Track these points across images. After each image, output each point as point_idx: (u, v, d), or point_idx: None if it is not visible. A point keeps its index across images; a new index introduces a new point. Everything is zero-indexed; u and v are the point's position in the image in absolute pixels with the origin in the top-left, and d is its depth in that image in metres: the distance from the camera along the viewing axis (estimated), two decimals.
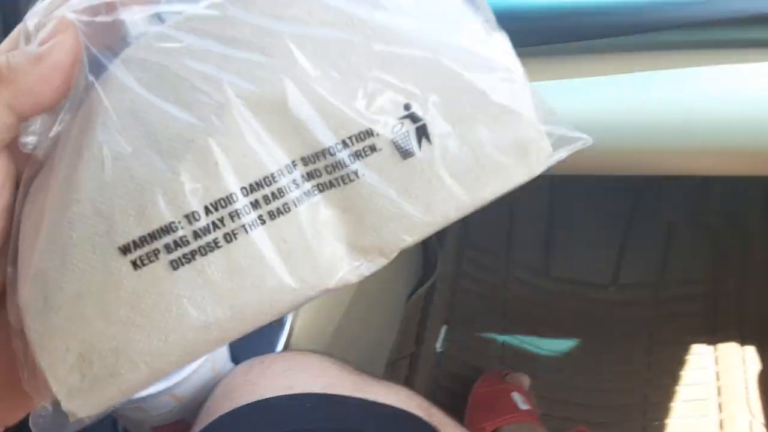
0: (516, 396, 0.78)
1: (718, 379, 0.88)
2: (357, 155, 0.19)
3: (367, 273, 0.21)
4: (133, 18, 0.19)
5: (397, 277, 0.95)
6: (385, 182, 0.20)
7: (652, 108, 0.49)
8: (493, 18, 0.22)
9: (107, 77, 0.19)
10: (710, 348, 0.91)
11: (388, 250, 0.21)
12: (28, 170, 0.20)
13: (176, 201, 0.18)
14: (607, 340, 0.94)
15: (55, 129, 0.20)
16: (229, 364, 0.52)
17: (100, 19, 0.19)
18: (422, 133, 0.20)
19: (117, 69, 0.19)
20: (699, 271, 0.98)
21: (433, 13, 0.21)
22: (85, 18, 0.19)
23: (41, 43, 0.19)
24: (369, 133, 0.20)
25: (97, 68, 0.19)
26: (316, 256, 0.20)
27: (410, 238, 0.20)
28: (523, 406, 0.77)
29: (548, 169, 0.22)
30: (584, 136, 0.22)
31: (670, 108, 0.48)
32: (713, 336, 0.92)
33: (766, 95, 0.47)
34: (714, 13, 0.45)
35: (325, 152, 0.19)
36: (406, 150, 0.20)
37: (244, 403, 0.41)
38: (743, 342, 0.90)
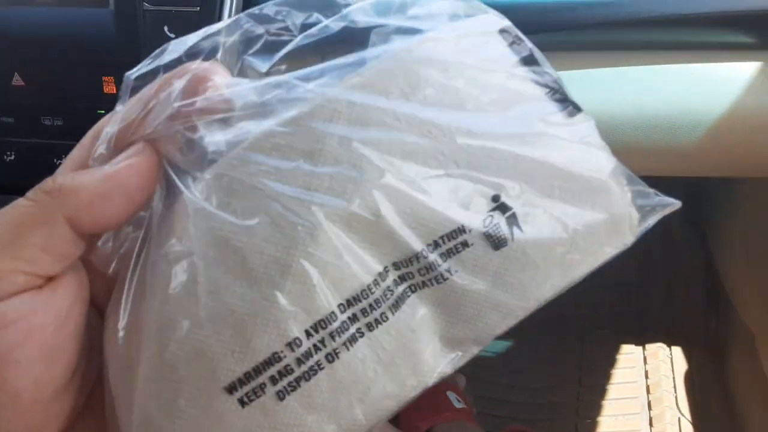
0: (451, 395, 0.77)
1: (647, 377, 0.90)
2: (449, 253, 0.19)
3: (463, 363, 0.21)
4: (213, 137, 0.19)
5: None
6: (479, 275, 0.20)
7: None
8: (574, 101, 0.22)
9: (187, 201, 0.18)
10: (639, 348, 0.93)
11: (483, 339, 0.21)
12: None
13: (278, 330, 0.18)
14: (540, 341, 0.95)
15: (124, 249, 0.20)
16: None
17: (179, 133, 0.19)
18: (513, 221, 0.20)
19: (199, 192, 0.18)
20: (628, 275, 1.00)
21: (512, 104, 0.21)
22: (162, 130, 0.19)
23: (115, 163, 0.18)
24: (461, 231, 0.19)
25: (174, 190, 0.19)
26: (415, 358, 0.20)
27: (505, 324, 0.20)
28: (458, 404, 0.76)
29: None
30: (672, 200, 0.22)
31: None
32: (642, 336, 0.94)
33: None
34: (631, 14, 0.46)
35: (417, 256, 0.19)
36: (499, 241, 0.20)
37: None
38: (670, 343, 0.93)
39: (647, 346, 0.93)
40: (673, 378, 0.89)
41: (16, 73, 0.48)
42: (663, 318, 0.95)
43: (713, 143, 0.48)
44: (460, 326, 0.20)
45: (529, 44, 0.23)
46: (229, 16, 0.46)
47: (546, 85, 0.22)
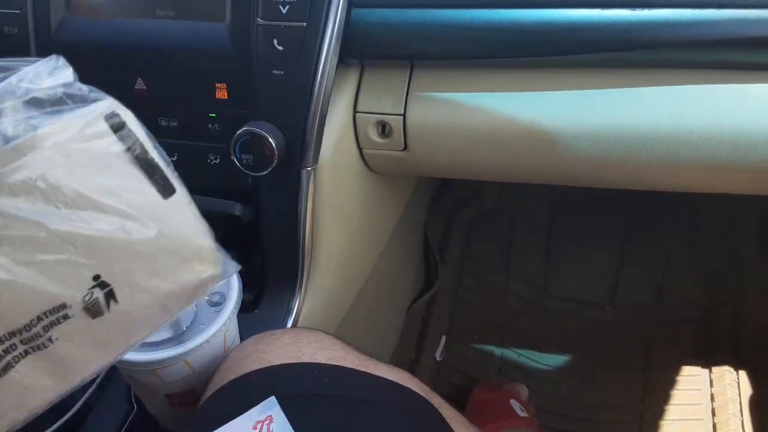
0: (515, 404, 0.79)
1: (713, 400, 0.89)
2: (51, 325, 0.26)
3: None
4: None
5: (400, 286, 0.96)
6: (79, 340, 0.26)
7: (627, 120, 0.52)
8: (171, 184, 0.30)
9: None
10: (705, 370, 0.92)
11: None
12: None
13: None
14: (603, 358, 0.95)
15: None
16: (239, 340, 0.53)
17: None
18: (110, 296, 0.27)
19: None
20: (695, 295, 0.99)
21: (114, 191, 0.27)
22: None
23: None
24: (62, 306, 0.26)
25: None
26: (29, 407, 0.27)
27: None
28: (522, 413, 0.78)
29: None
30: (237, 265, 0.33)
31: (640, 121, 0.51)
32: (708, 359, 0.93)
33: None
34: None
35: (20, 330, 0.25)
36: (96, 312, 0.27)
37: (253, 369, 0.42)
38: (737, 366, 0.91)
39: (714, 368, 0.92)
40: (740, 402, 0.88)
41: (139, 79, 0.53)
42: (731, 341, 0.94)
43: None
44: (72, 379, 0.27)
45: (137, 129, 0.29)
46: (333, 30, 0.50)
47: (148, 169, 0.28)
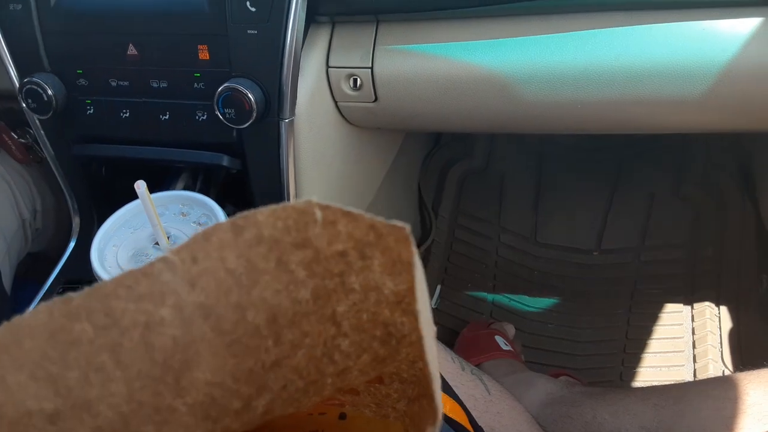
0: (499, 339, 0.84)
1: (693, 333, 0.93)
2: None
3: None
4: None
5: None
6: None
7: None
8: None
9: None
10: (687, 307, 0.97)
11: None
12: None
13: None
14: (589, 299, 1.00)
15: None
16: None
17: None
18: None
19: None
20: (679, 237, 1.04)
21: None
22: None
23: None
24: None
25: None
26: None
27: None
28: (506, 347, 0.83)
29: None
30: None
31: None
32: (691, 296, 0.97)
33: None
34: None
35: None
36: None
37: None
38: (718, 302, 0.96)
39: (695, 305, 0.96)
40: (720, 335, 0.92)
41: (130, 45, 0.59)
42: (712, 279, 0.98)
43: (723, 92, 0.53)
44: None
45: None
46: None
47: None
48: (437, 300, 1.03)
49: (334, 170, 0.71)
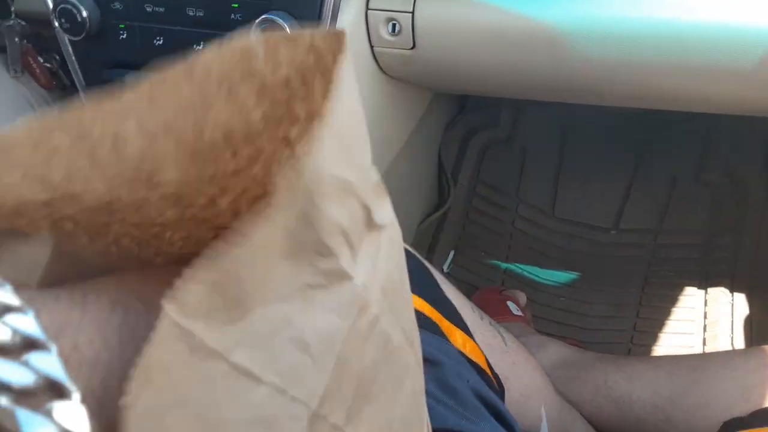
0: (511, 305, 0.84)
1: (705, 317, 0.93)
2: None
3: None
4: None
5: (412, 201, 1.02)
6: None
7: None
8: None
9: None
10: (701, 291, 0.96)
11: None
12: None
13: None
14: (603, 276, 0.99)
15: None
16: None
17: None
18: None
19: None
20: (697, 222, 1.03)
21: None
22: None
23: None
24: None
25: None
26: None
27: None
28: (516, 312, 0.83)
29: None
30: None
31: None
32: (705, 281, 0.97)
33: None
34: None
35: None
36: None
37: None
38: (733, 288, 0.95)
39: (710, 289, 0.96)
40: (732, 321, 0.92)
41: None
42: (729, 265, 0.97)
43: None
44: None
45: None
46: None
47: None
48: (449, 265, 1.03)
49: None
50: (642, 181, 1.07)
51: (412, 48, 0.63)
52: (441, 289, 0.50)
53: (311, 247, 0.14)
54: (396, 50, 0.64)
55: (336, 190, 0.14)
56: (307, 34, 0.14)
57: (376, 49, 0.65)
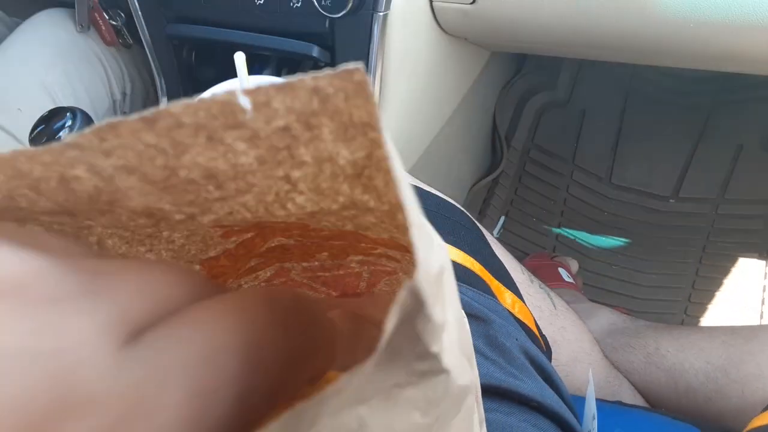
0: (562, 271, 0.84)
1: (764, 291, 0.90)
2: None
3: None
4: None
5: (464, 164, 1.01)
6: None
7: None
8: None
9: None
10: (761, 263, 0.93)
11: None
12: None
13: None
14: (659, 245, 0.97)
15: None
16: None
17: None
18: None
19: None
20: (761, 193, 0.98)
21: None
22: None
23: None
24: None
25: None
26: None
27: None
28: (568, 279, 0.82)
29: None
30: None
31: None
32: (766, 254, 0.93)
33: None
34: None
35: None
36: None
37: None
38: None
39: None
40: None
41: None
42: None
43: None
44: None
45: None
46: None
47: None
48: (500, 230, 1.03)
49: (419, 78, 0.70)
50: (705, 148, 1.03)
51: (472, 2, 0.62)
52: (492, 248, 0.50)
53: (413, 355, 0.12)
54: (456, 5, 0.63)
55: (436, 288, 0.12)
56: (308, 78, 0.12)
57: (435, 4, 0.64)
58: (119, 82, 0.80)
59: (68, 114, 0.48)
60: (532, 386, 0.38)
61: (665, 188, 1.02)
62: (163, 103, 0.62)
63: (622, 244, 0.98)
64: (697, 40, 0.57)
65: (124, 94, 0.81)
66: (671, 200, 1.01)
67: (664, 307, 0.91)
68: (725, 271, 0.93)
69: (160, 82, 0.72)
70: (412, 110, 0.72)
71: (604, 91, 1.10)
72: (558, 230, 1.01)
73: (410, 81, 0.68)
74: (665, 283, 0.93)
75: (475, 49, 0.85)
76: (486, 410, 0.36)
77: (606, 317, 0.69)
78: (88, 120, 0.48)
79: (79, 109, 0.48)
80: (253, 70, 0.68)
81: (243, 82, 0.49)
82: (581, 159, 1.06)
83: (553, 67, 1.11)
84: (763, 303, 0.89)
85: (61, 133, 0.47)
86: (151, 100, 0.86)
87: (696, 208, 1.00)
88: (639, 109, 1.08)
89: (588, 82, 1.11)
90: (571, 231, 1.00)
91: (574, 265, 0.90)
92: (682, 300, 0.91)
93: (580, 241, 0.99)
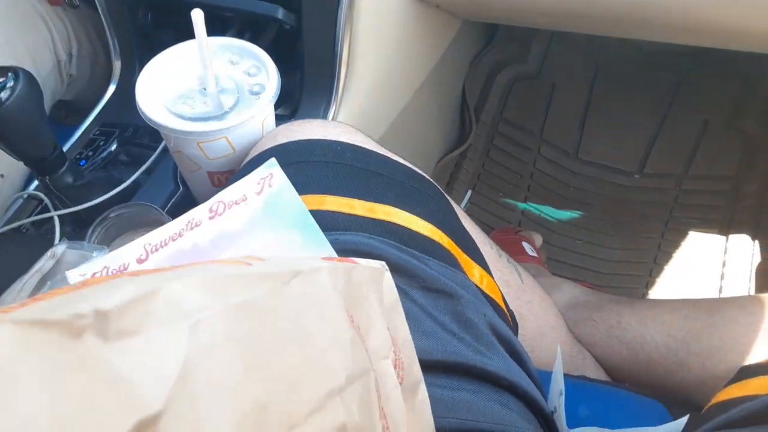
0: (526, 245, 0.84)
1: (723, 266, 0.92)
2: None
3: None
4: None
5: (432, 136, 0.99)
6: None
7: None
8: None
9: None
10: (722, 238, 0.95)
11: None
12: None
13: None
14: (622, 220, 0.98)
15: None
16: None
17: None
18: None
19: None
20: (724, 170, 1.00)
21: None
22: None
23: None
24: None
25: None
26: None
27: None
28: (532, 253, 0.82)
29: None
30: None
31: None
32: (727, 229, 0.95)
33: None
34: None
35: None
36: None
37: (284, 142, 0.47)
38: (755, 238, 0.93)
39: (731, 237, 0.94)
40: (751, 270, 0.91)
41: None
42: (752, 214, 0.95)
43: None
44: None
45: None
46: None
47: None
48: (466, 204, 1.02)
49: (389, 44, 0.67)
50: (672, 123, 1.04)
51: None
52: (461, 221, 0.49)
53: None
54: None
55: None
56: None
57: None
58: (64, 43, 0.75)
59: (10, 74, 0.44)
60: (500, 364, 0.37)
61: (630, 163, 1.03)
62: (117, 67, 0.58)
63: (586, 219, 0.99)
64: (673, 10, 0.56)
65: (69, 55, 0.77)
66: (636, 175, 1.02)
67: (627, 281, 0.92)
68: (687, 247, 0.94)
69: (114, 45, 0.68)
70: (382, 79, 0.70)
71: (574, 65, 1.09)
72: (523, 205, 1.00)
73: (381, 46, 0.66)
74: (628, 257, 0.94)
75: (447, 18, 0.83)
76: (452, 389, 0.35)
77: (569, 291, 0.69)
78: (30, 80, 0.45)
79: (21, 68, 0.44)
80: (214, 31, 0.65)
81: (200, 40, 0.46)
82: (549, 133, 1.06)
83: (523, 39, 1.09)
84: (722, 278, 0.91)
85: (1, 94, 0.44)
86: (100, 63, 0.81)
87: (660, 183, 1.01)
88: (608, 84, 1.08)
89: (558, 55, 1.10)
90: (536, 206, 1.00)
91: (539, 240, 0.90)
92: (644, 275, 0.92)
93: (545, 215, 0.99)
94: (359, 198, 0.42)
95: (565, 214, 0.99)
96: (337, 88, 0.63)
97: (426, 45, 0.80)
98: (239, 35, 0.65)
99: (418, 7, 0.69)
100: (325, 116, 0.64)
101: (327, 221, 0.41)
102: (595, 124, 1.06)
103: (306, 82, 0.64)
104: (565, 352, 0.57)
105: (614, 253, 0.95)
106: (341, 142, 0.47)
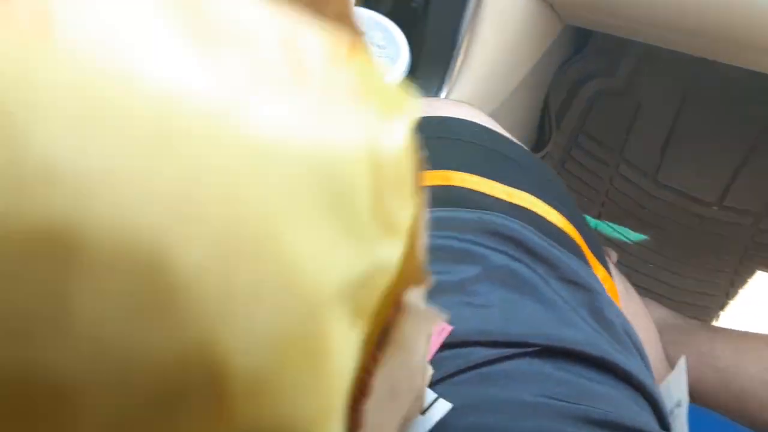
0: None
1: None
2: None
3: None
4: None
5: None
6: None
7: None
8: None
9: None
10: None
11: None
12: None
13: None
14: (697, 250, 0.96)
15: None
16: None
17: None
18: None
19: None
20: None
21: None
22: None
23: None
24: None
25: None
26: None
27: None
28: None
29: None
30: None
31: None
32: None
33: None
34: None
35: None
36: None
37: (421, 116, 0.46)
38: None
39: None
40: None
41: None
42: None
43: None
44: None
45: None
46: None
47: None
48: None
49: (505, 37, 0.67)
50: (759, 158, 1.01)
51: None
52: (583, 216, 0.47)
53: None
54: None
55: None
56: None
57: None
58: None
59: None
60: (636, 365, 0.36)
61: (711, 194, 1.00)
62: None
63: (659, 244, 0.97)
64: None
65: None
66: (714, 207, 1.00)
67: (697, 312, 0.90)
68: (761, 289, 0.91)
69: None
70: (492, 72, 0.69)
71: (663, 86, 1.07)
72: (596, 222, 0.99)
73: (497, 41, 0.65)
74: (701, 288, 0.92)
75: (552, 20, 0.81)
76: (590, 380, 0.34)
77: (656, 311, 0.67)
78: None
79: None
80: None
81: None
82: (630, 153, 1.04)
83: (614, 54, 1.07)
84: None
85: None
86: None
87: (738, 218, 0.98)
88: (696, 111, 1.05)
89: (648, 75, 1.08)
90: (609, 224, 0.98)
91: (614, 257, 0.88)
92: (715, 308, 0.90)
93: (618, 235, 0.97)
94: (497, 180, 0.42)
95: (639, 236, 0.97)
96: (452, 70, 0.62)
97: (529, 44, 0.79)
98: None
99: (534, 4, 0.67)
100: (438, 93, 0.64)
101: (467, 199, 0.40)
102: (679, 149, 1.03)
103: (422, 62, 0.63)
104: (659, 370, 0.55)
105: (687, 282, 0.93)
106: (476, 123, 0.46)
